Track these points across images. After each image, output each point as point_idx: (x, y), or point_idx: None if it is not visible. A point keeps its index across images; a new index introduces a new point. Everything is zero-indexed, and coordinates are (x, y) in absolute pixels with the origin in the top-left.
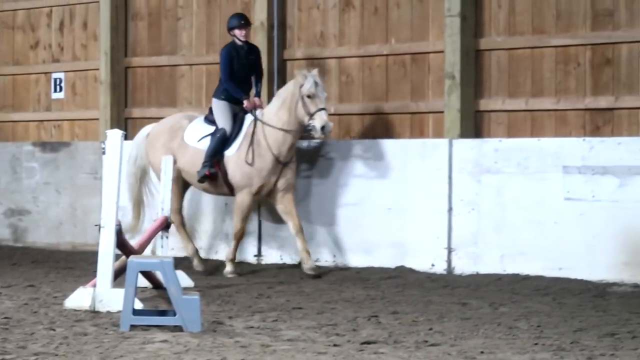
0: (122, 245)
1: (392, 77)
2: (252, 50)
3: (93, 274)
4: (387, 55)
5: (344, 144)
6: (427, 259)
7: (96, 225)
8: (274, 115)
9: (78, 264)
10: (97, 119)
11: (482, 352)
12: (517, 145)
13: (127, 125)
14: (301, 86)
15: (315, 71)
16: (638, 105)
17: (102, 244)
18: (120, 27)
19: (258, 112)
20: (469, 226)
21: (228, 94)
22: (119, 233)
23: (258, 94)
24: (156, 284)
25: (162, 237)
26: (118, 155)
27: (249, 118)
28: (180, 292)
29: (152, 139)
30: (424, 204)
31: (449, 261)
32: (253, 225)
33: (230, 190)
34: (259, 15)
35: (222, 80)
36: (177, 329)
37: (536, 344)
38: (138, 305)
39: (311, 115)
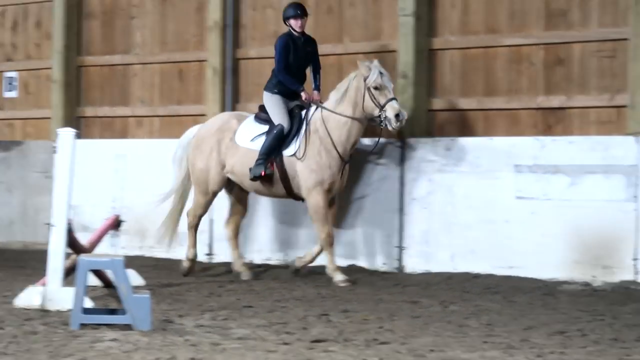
0: (73, 244)
1: (346, 76)
2: (309, 41)
3: (43, 272)
4: (340, 54)
5: None
6: (378, 257)
7: (47, 224)
8: (335, 110)
9: (29, 263)
10: (49, 118)
11: (432, 350)
12: (470, 144)
13: (80, 124)
14: (366, 78)
15: (376, 61)
16: (590, 105)
17: (53, 242)
18: (73, 27)
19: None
20: (420, 225)
21: (281, 87)
22: (70, 232)
23: (318, 88)
24: (107, 283)
25: (113, 236)
26: (69, 154)
27: (306, 113)
28: (130, 291)
29: (199, 141)
30: (375, 203)
31: (400, 260)
32: (204, 223)
33: (287, 192)
34: (212, 14)
35: (277, 71)
36: (127, 327)
37: (486, 342)
38: (88, 303)
39: (382, 107)
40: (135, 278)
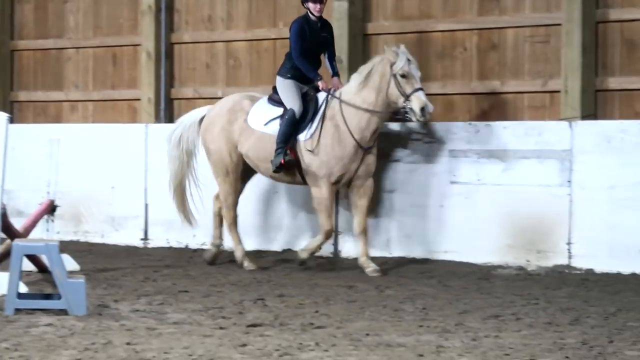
0: (7, 229)
1: (280, 61)
2: (325, 26)
3: None
4: (275, 39)
5: None
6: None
7: None
8: (355, 96)
9: None
10: None
11: (367, 334)
12: (404, 129)
13: (13, 109)
14: (392, 64)
15: (404, 47)
16: (523, 90)
17: None
18: (6, 10)
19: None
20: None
21: (295, 72)
22: (4, 217)
23: (337, 75)
24: (41, 268)
25: (47, 221)
26: (2, 139)
27: (322, 98)
28: (65, 276)
29: (209, 122)
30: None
31: (335, 244)
32: (139, 208)
33: (303, 179)
34: None
35: (293, 56)
36: (62, 312)
37: (421, 326)
38: (23, 288)
39: (407, 97)
40: (70, 263)
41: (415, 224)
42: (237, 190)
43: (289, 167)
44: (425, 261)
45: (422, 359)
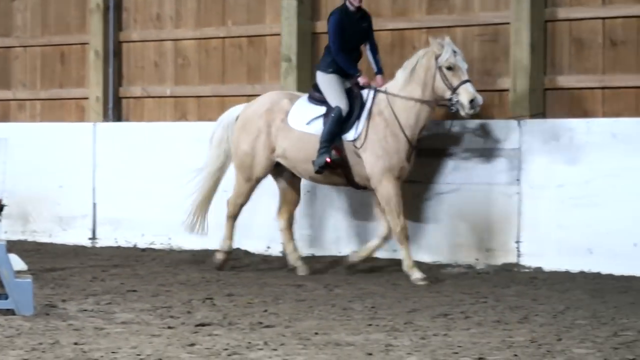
0: None
1: (229, 60)
2: (365, 17)
3: None
4: (223, 37)
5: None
6: (262, 241)
7: None
8: (401, 92)
9: None
10: None
11: (316, 333)
12: None
13: None
14: (437, 57)
15: (449, 39)
16: None
17: None
18: None
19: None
20: (305, 209)
21: (337, 65)
22: None
23: (380, 71)
24: None
25: None
26: None
27: (367, 94)
28: (12, 275)
29: (245, 121)
30: (262, 187)
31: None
32: (87, 208)
33: (347, 180)
34: None
35: (332, 51)
36: (10, 312)
37: (370, 324)
38: None
39: (454, 90)
40: (17, 263)
41: (364, 222)
42: (250, 196)
43: (332, 168)
44: (374, 259)
45: (370, 358)
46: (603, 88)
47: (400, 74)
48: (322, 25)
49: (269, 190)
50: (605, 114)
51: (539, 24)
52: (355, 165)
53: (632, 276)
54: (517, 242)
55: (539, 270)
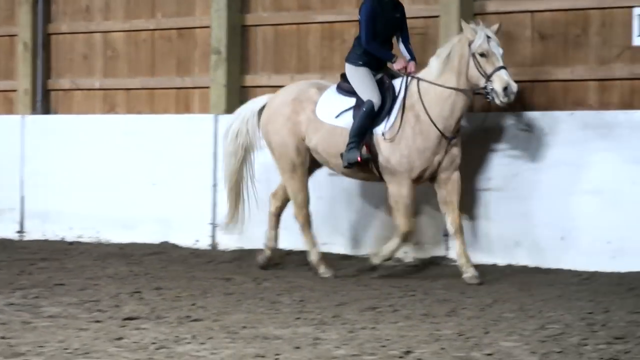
0: None
1: (158, 52)
2: (397, 6)
3: None
4: (153, 30)
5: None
6: (191, 234)
7: None
8: (436, 81)
9: None
10: None
11: (244, 327)
12: None
13: None
14: (471, 43)
15: (482, 24)
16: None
17: None
18: None
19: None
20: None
21: (367, 57)
22: None
23: (414, 58)
24: None
25: None
26: None
27: (398, 85)
28: None
29: (272, 112)
30: (189, 180)
31: (213, 237)
32: (15, 201)
33: (380, 176)
34: None
35: (363, 41)
36: None
37: (298, 318)
38: None
39: (488, 77)
40: None
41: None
42: (306, 187)
43: (363, 164)
44: (303, 253)
45: (298, 351)
46: (532, 81)
47: (434, 62)
48: (252, 18)
49: (198, 183)
50: (536, 107)
51: (467, 17)
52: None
53: (559, 269)
54: (445, 235)
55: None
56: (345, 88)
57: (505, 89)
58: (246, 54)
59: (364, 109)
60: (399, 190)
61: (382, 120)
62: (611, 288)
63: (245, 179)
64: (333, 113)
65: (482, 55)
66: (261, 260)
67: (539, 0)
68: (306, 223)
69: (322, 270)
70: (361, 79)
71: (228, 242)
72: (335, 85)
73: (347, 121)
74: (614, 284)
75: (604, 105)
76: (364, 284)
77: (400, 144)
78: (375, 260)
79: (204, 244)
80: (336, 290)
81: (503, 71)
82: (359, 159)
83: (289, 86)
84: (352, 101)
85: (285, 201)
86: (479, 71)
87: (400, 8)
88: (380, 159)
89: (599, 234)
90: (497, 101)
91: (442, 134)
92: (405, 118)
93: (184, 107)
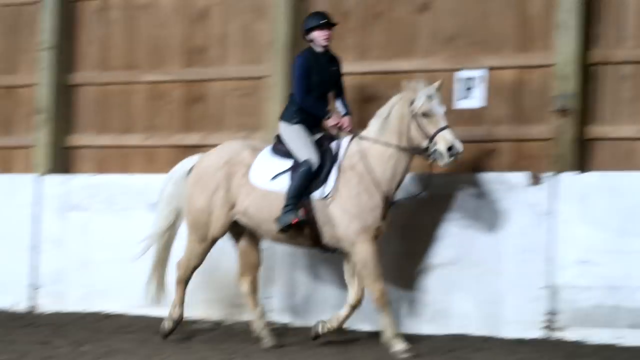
0: None
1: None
2: (333, 59)
3: None
4: None
5: None
6: (9, 297)
7: None
8: (375, 144)
9: None
10: None
11: None
12: (106, 181)
13: None
14: (411, 103)
15: (423, 82)
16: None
17: None
18: None
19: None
20: (54, 264)
21: (302, 115)
22: None
23: (349, 113)
24: None
25: None
26: None
27: (336, 147)
28: None
29: (201, 175)
30: (7, 241)
31: (32, 299)
32: None
33: (314, 242)
34: None
35: (297, 97)
36: None
37: None
38: None
39: (431, 138)
40: None
41: (114, 278)
42: (204, 258)
43: (298, 228)
44: (122, 316)
45: None
46: None
47: (374, 123)
48: (78, 77)
49: (17, 245)
50: None
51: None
52: (325, 224)
53: None
54: (266, 297)
55: (289, 325)
56: (281, 150)
57: (450, 149)
58: (71, 114)
59: (302, 169)
60: (363, 254)
61: (322, 183)
62: None
63: (171, 246)
64: (267, 176)
65: (424, 115)
66: (268, 342)
67: (356, 62)
68: (183, 282)
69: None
70: (297, 138)
71: (48, 304)
72: (269, 147)
73: (283, 184)
74: None
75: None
76: (186, 346)
77: (347, 205)
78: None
79: (22, 306)
80: (157, 353)
81: (446, 131)
82: (294, 221)
83: (221, 147)
84: (287, 164)
85: (254, 276)
86: (421, 132)
87: (337, 61)
88: (331, 226)
89: None
90: (442, 163)
91: (386, 197)
92: (346, 178)
93: (6, 166)
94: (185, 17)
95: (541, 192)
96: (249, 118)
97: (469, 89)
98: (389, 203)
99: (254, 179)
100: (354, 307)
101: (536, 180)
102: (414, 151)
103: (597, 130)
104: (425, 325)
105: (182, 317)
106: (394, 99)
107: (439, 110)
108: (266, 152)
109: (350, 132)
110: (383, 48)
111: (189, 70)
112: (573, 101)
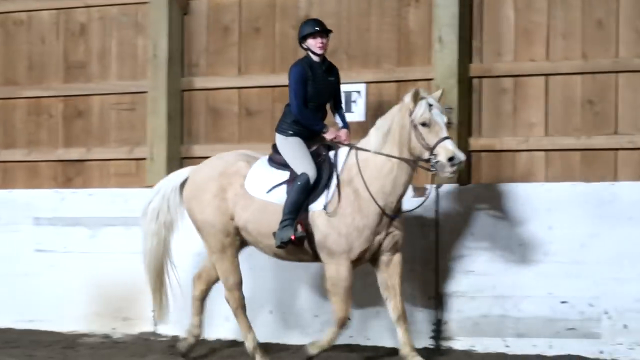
0: None
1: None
2: (331, 69)
3: None
4: None
5: None
6: None
7: None
8: (374, 156)
9: None
10: None
11: None
12: None
13: None
14: (411, 113)
15: (423, 90)
16: (109, 157)
17: None
18: None
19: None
20: None
21: (299, 127)
22: None
23: (346, 126)
24: None
25: None
26: None
27: (335, 156)
28: None
29: (196, 188)
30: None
31: None
32: None
33: (315, 256)
34: None
35: (294, 108)
36: None
37: None
38: None
39: (432, 149)
40: None
41: (1, 293)
42: (238, 267)
43: (297, 243)
44: (9, 331)
45: None
46: None
47: (373, 134)
48: None
49: None
50: None
51: (175, 93)
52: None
53: None
54: (154, 310)
55: (176, 338)
56: (277, 160)
57: (451, 159)
58: None
59: (299, 183)
60: (337, 273)
61: (318, 196)
62: None
63: (165, 263)
64: (264, 188)
65: (424, 125)
66: (182, 348)
67: (245, 77)
68: (240, 307)
69: (259, 358)
70: (293, 151)
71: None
72: (266, 157)
73: (280, 197)
74: None
75: None
76: None
77: (339, 223)
78: (312, 351)
79: None
80: None
81: (447, 141)
82: (292, 237)
83: (215, 158)
84: (284, 175)
85: (210, 284)
86: (421, 143)
87: (335, 71)
88: (317, 237)
89: None
90: (442, 174)
91: (383, 212)
92: (343, 194)
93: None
94: (65, 33)
95: (427, 204)
96: (131, 132)
97: (350, 102)
98: (390, 217)
99: (251, 190)
100: (400, 317)
101: (421, 192)
102: (415, 163)
103: (479, 142)
104: None
105: (257, 341)
106: (394, 109)
107: (440, 119)
108: (262, 163)
109: (348, 145)
110: (263, 63)
111: (70, 85)
112: (454, 114)
